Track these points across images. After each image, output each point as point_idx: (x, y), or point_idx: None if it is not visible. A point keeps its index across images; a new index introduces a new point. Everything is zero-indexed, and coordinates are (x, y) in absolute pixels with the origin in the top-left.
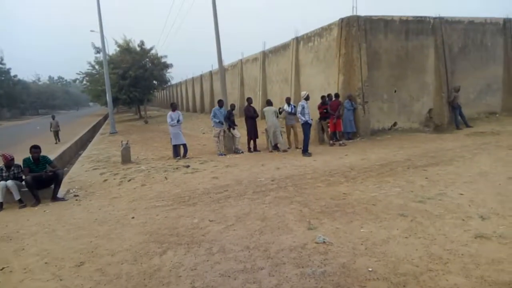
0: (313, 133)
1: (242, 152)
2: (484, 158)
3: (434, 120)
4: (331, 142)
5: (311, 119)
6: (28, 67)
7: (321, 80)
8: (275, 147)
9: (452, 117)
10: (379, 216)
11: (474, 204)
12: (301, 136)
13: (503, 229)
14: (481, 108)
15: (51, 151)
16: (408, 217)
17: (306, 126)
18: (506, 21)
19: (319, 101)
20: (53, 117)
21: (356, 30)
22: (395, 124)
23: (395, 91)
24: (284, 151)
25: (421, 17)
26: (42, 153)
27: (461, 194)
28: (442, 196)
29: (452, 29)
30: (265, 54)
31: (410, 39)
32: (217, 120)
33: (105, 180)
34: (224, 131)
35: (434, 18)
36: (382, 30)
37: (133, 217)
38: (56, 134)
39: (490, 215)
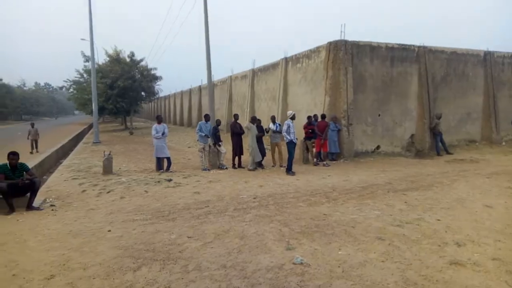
0: (297, 152)
1: (226, 168)
2: (462, 185)
3: (416, 145)
4: (315, 161)
5: (296, 138)
6: (14, 71)
7: (308, 101)
8: (259, 164)
9: (433, 143)
10: (357, 239)
11: (451, 230)
12: (285, 154)
13: (477, 256)
14: (461, 135)
15: (30, 159)
16: (385, 241)
17: (291, 145)
18: (487, 53)
19: (305, 120)
20: (32, 125)
21: (344, 54)
22: (378, 147)
23: (379, 115)
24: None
25: (406, 45)
26: (22, 161)
27: (438, 220)
28: (420, 221)
29: (436, 58)
30: (254, 72)
31: (395, 65)
32: (203, 134)
33: (84, 191)
34: (210, 146)
35: (419, 47)
36: (368, 55)
37: (109, 230)
38: (35, 143)
39: (466, 242)
